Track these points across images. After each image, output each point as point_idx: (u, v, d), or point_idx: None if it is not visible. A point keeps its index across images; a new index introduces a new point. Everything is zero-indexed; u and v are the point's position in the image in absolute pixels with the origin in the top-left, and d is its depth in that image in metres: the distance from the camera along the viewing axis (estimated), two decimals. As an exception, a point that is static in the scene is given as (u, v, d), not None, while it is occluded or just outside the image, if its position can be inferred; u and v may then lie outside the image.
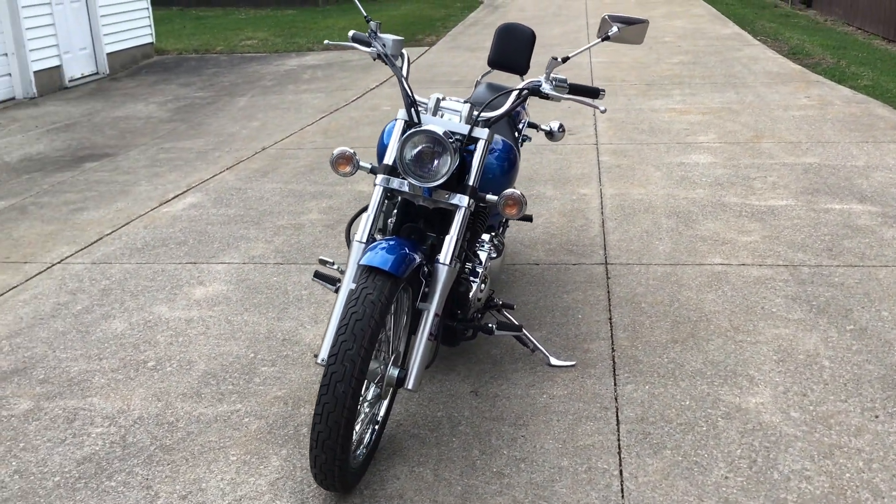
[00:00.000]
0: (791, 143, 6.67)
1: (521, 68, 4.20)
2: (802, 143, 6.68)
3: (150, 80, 11.48)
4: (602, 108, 3.07)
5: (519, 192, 2.89)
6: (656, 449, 2.92)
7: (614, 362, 3.50)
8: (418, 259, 2.76)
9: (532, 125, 4.33)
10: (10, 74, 10.37)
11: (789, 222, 4.97)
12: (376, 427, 2.87)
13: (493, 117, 3.01)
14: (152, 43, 13.66)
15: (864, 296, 3.98)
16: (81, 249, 5.06)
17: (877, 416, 3.05)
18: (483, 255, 3.52)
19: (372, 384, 2.78)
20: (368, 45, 3.15)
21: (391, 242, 2.70)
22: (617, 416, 3.12)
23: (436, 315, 2.78)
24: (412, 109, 2.94)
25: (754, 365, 3.42)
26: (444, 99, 3.05)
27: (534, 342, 3.52)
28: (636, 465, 2.83)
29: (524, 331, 3.47)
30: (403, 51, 3.15)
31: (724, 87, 9.03)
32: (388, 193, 2.97)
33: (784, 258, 4.45)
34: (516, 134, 4.09)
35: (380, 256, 2.59)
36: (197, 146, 7.55)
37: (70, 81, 11.30)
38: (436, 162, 2.81)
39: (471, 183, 2.91)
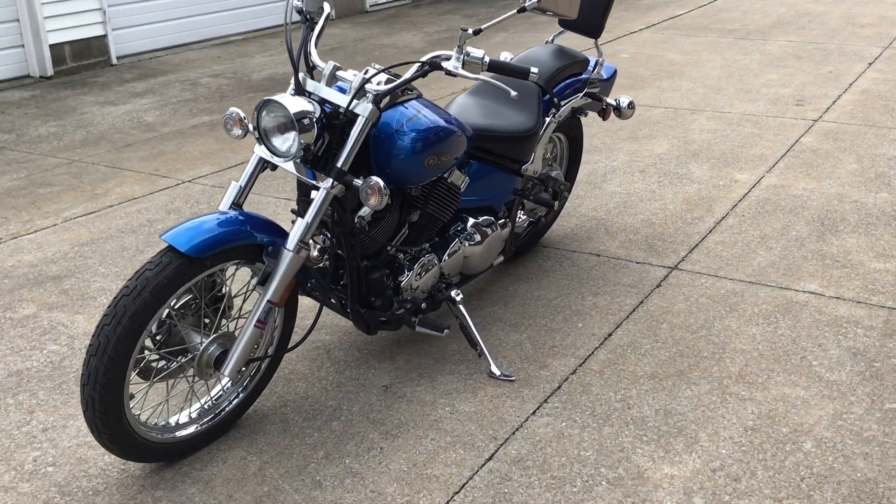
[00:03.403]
0: None
1: (593, 30, 3.68)
2: None
3: (444, 9, 11.73)
4: (514, 94, 2.57)
5: (379, 182, 2.55)
6: (497, 500, 2.49)
7: (559, 387, 3.02)
8: (261, 239, 2.57)
9: (596, 98, 3.78)
10: (313, -4, 11.15)
11: (958, 252, 3.86)
12: (225, 406, 2.77)
13: (381, 92, 2.66)
14: (467, -29, 13.88)
15: (959, 369, 3.01)
16: (217, 171, 5.40)
17: (799, 534, 2.33)
18: (454, 242, 3.21)
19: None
20: None
21: (216, 217, 2.53)
22: (497, 450, 2.71)
23: (269, 302, 2.58)
24: (297, 76, 2.69)
25: (714, 427, 2.76)
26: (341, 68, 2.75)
27: (482, 346, 3.15)
28: (455, 514, 2.45)
29: (475, 333, 3.12)
30: (325, 5, 2.88)
31: None
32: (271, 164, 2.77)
33: (899, 299, 3.49)
34: (553, 108, 3.59)
35: (180, 232, 2.44)
36: (412, 80, 7.62)
37: (371, 6, 11.90)
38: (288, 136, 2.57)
39: (338, 164, 2.62)
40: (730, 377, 3.02)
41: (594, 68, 3.79)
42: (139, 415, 2.57)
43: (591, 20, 3.70)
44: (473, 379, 3.09)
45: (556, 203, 3.74)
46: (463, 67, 2.62)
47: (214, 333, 2.61)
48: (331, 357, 3.25)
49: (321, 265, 3.00)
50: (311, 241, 2.99)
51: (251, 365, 2.82)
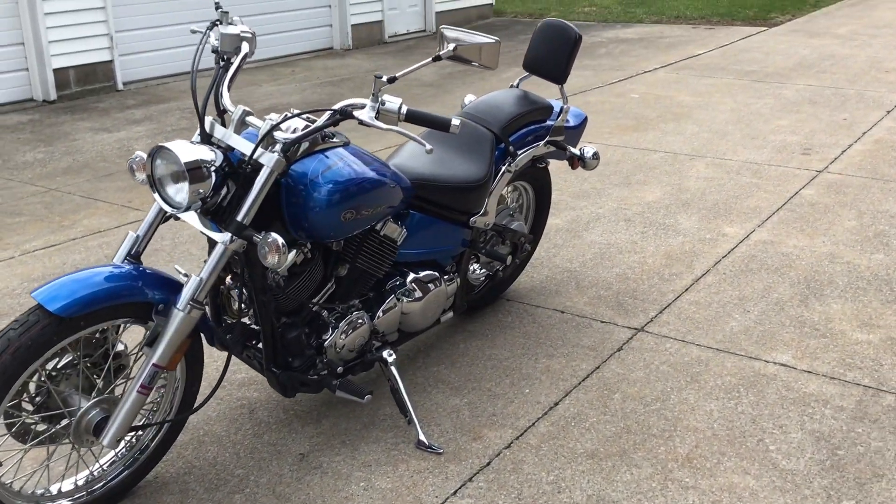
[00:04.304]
0: None
1: (557, 76, 3.47)
2: None
3: (461, 41, 11.57)
4: (428, 147, 2.36)
5: (277, 240, 2.35)
6: None
7: (489, 463, 2.77)
8: (152, 296, 2.38)
9: (559, 146, 3.55)
10: (330, 26, 11.08)
11: (951, 325, 3.56)
12: (118, 474, 2.56)
13: (290, 140, 2.46)
14: (492, 4, 13.78)
15: (933, 462, 2.71)
16: (191, 206, 5.23)
17: None
18: (390, 298, 2.99)
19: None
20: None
21: (102, 271, 2.34)
22: (404, 535, 2.46)
23: (154, 366, 2.37)
24: (202, 122, 2.51)
25: (648, 520, 2.50)
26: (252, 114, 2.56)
27: (411, 413, 2.91)
28: None
29: (406, 398, 2.88)
30: (244, 45, 2.69)
31: None
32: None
33: (878, 377, 3.20)
34: (509, 157, 3.36)
35: (52, 289, 2.25)
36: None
37: (390, 37, 11.80)
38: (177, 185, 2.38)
39: (238, 217, 2.41)
40: (676, 460, 2.76)
41: (558, 115, 3.56)
42: (11, 483, 2.36)
43: (556, 65, 3.48)
44: (399, 449, 2.85)
45: (510, 257, 3.51)
46: (377, 117, 2.41)
47: (97, 397, 2.40)
48: (252, 417, 3.04)
49: (239, 320, 2.80)
50: (232, 294, 2.80)
51: (149, 430, 2.61)
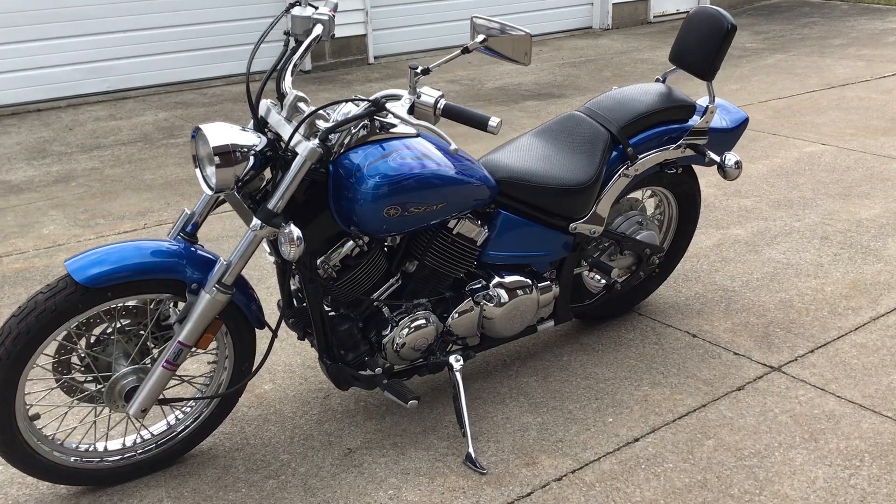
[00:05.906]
0: None
1: (702, 70, 3.12)
2: None
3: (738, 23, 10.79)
4: (452, 146, 2.16)
5: (293, 232, 2.28)
6: None
7: (529, 494, 2.54)
8: (190, 274, 2.42)
9: (698, 150, 3.16)
10: (591, 4, 10.78)
11: None
12: (167, 440, 2.65)
13: (326, 129, 2.35)
14: (780, -17, 12.69)
15: None
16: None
17: None
18: (467, 300, 2.85)
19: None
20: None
21: (143, 246, 2.40)
22: (404, 556, 2.33)
23: (180, 344, 2.41)
24: (255, 111, 2.50)
25: None
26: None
27: (466, 426, 2.74)
28: None
29: (464, 409, 2.73)
30: (318, 27, 2.62)
31: None
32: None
33: None
34: (628, 160, 3.04)
35: (82, 259, 2.33)
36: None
37: (655, 16, 11.28)
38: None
39: (269, 206, 2.37)
40: (742, 530, 2.36)
41: (703, 115, 3.16)
42: (52, 435, 2.51)
43: (703, 59, 3.09)
44: (445, 461, 2.69)
45: (616, 270, 3.17)
46: (412, 112, 2.25)
47: (134, 365, 2.48)
48: (324, 404, 3.02)
49: (301, 305, 2.78)
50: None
51: (200, 403, 2.68)
